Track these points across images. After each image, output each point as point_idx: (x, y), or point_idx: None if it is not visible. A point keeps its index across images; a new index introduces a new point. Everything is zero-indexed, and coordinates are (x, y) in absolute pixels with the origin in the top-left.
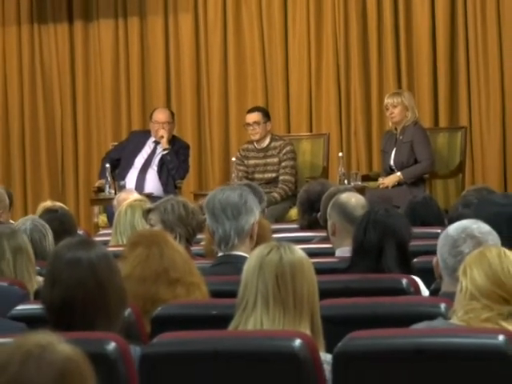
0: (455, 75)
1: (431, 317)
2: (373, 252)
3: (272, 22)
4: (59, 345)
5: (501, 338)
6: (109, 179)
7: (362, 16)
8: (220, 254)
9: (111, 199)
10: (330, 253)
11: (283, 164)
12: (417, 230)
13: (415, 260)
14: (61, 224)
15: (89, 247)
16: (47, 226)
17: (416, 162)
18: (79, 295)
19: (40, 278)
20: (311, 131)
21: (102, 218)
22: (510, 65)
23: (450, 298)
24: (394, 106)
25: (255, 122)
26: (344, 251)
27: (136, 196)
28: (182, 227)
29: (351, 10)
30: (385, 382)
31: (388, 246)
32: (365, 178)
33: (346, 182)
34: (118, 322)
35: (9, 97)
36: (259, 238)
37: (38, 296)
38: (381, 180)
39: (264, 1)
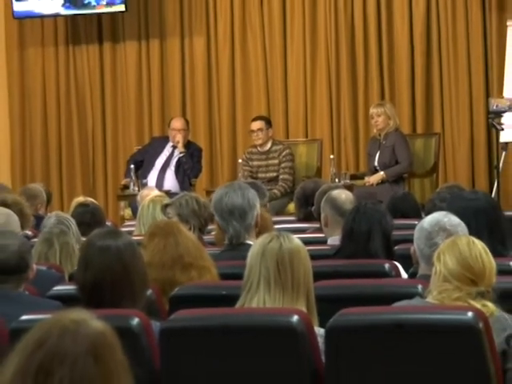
0: (430, 89)
1: (410, 296)
2: (362, 238)
3: (273, 44)
4: (92, 321)
5: (469, 314)
6: (133, 178)
7: (351, 38)
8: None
9: (135, 195)
10: (322, 241)
11: (282, 165)
12: (397, 222)
13: (396, 247)
14: (92, 216)
15: (116, 236)
16: (71, 219)
17: (397, 163)
18: (108, 278)
19: None
20: (307, 137)
21: (127, 212)
22: (477, 80)
23: (425, 280)
24: (378, 115)
25: (259, 129)
26: (335, 240)
27: (156, 192)
28: (196, 219)
29: (341, 33)
30: (370, 352)
31: (375, 233)
32: (353, 177)
33: (336, 180)
34: (141, 301)
35: (48, 108)
36: (262, 228)
37: (72, 278)
38: (366, 179)
39: (266, 25)
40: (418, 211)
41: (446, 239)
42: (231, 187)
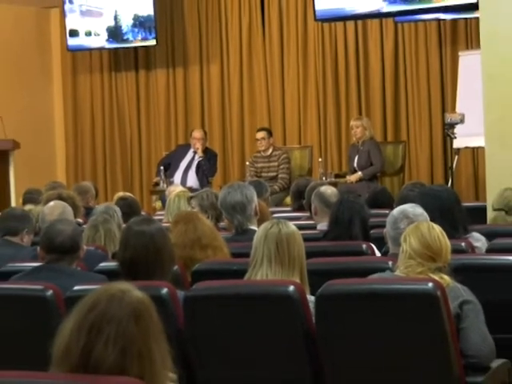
0: (398, 106)
1: (382, 270)
2: (345, 224)
3: (273, 70)
4: (133, 290)
5: (430, 284)
6: (162, 177)
7: (335, 66)
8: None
9: (164, 191)
10: (313, 227)
11: (281, 166)
12: (374, 211)
13: (372, 231)
14: (129, 207)
15: (150, 223)
16: (116, 208)
17: (371, 165)
18: (142, 256)
19: None
20: (300, 144)
21: (158, 204)
22: (435, 99)
23: (394, 257)
24: (357, 127)
25: (262, 138)
26: (323, 226)
27: (181, 188)
28: (213, 210)
29: (327, 62)
30: (350, 314)
31: (355, 220)
32: (336, 176)
33: (323, 178)
34: (169, 275)
35: (95, 123)
36: (263, 217)
37: (114, 257)
38: (347, 177)
39: (268, 55)
40: (390, 202)
41: (407, 225)
42: (232, 187)
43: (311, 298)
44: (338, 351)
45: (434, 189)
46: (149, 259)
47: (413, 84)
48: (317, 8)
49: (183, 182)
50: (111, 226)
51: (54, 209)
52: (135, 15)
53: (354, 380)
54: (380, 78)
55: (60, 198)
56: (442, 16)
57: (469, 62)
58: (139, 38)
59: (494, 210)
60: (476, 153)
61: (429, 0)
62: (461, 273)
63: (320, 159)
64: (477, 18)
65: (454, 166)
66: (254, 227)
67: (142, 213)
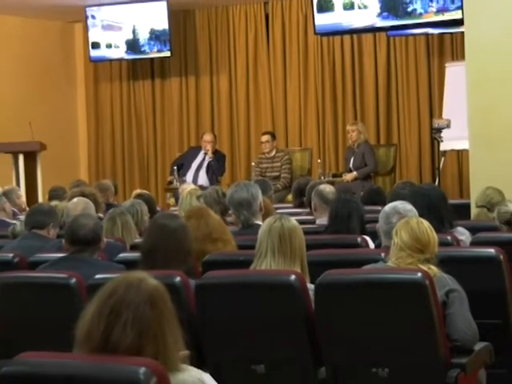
0: (390, 112)
1: (375, 261)
2: (343, 220)
3: (276, 79)
4: (149, 279)
5: (419, 274)
6: (176, 176)
7: (333, 76)
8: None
9: (177, 188)
10: (312, 222)
11: (283, 167)
12: (368, 208)
13: (367, 226)
14: (146, 203)
15: (172, 218)
16: (142, 202)
17: (366, 165)
18: (162, 247)
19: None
20: (301, 146)
21: (172, 200)
22: (423, 106)
23: (387, 249)
24: (353, 131)
25: (266, 141)
26: (321, 221)
27: (192, 186)
28: (216, 205)
29: (325, 72)
30: (347, 302)
31: (352, 216)
32: (334, 176)
33: (322, 178)
34: (185, 266)
35: (114, 126)
36: (267, 213)
37: (132, 248)
38: (344, 177)
39: (272, 66)
40: (384, 200)
41: (398, 220)
42: (239, 186)
43: (311, 287)
44: (334, 334)
45: (422, 187)
46: (167, 250)
47: (403, 92)
48: (316, 23)
49: (195, 180)
50: (128, 218)
51: (77, 204)
52: (151, 29)
53: (348, 359)
54: (373, 87)
55: (83, 194)
56: (430, 30)
57: (454, 73)
58: (155, 50)
59: (477, 206)
60: (461, 155)
61: (418, 16)
62: (447, 264)
63: (319, 160)
64: (462, 33)
65: (441, 166)
66: (259, 222)
67: (158, 208)
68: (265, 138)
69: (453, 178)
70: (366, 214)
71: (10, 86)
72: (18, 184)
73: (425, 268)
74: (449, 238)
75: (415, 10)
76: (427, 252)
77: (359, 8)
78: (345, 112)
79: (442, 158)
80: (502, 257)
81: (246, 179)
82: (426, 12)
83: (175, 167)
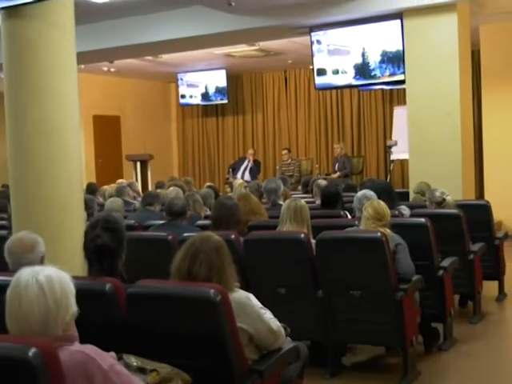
0: (361, 136)
1: (352, 226)
2: (331, 200)
3: (291, 116)
4: (215, 236)
5: (378, 234)
6: (231, 175)
7: (325, 114)
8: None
9: (231, 182)
10: (313, 202)
11: (295, 169)
12: (346, 194)
13: (345, 205)
14: (214, 191)
15: (229, 199)
16: (211, 191)
17: (345, 168)
18: (223, 217)
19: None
20: (306, 157)
21: (228, 189)
22: (381, 134)
23: (359, 219)
24: (337, 148)
25: (285, 154)
26: (319, 202)
27: (241, 181)
28: (256, 192)
29: (321, 113)
30: (335, 250)
31: (337, 199)
32: (326, 174)
33: (319, 176)
34: (237, 228)
35: (193, 145)
36: (286, 196)
37: (205, 218)
38: (332, 175)
39: (288, 106)
40: (356, 189)
41: (367, 201)
42: (269, 180)
43: (313, 241)
44: (327, 270)
45: (379, 182)
46: (226, 219)
47: (368, 124)
48: (316, 82)
49: (242, 177)
50: (197, 197)
51: (172, 191)
52: (216, 87)
53: (335, 286)
54: (350, 120)
55: (175, 185)
56: (384, 87)
57: (400, 112)
58: (218, 99)
59: (415, 193)
60: (403, 162)
61: (378, 78)
62: (395, 227)
63: (317, 165)
64: (404, 88)
65: (391, 169)
66: (281, 202)
67: (221, 194)
68: (284, 151)
69: (398, 176)
70: (345, 198)
71: (134, 122)
72: (136, 179)
73: (382, 230)
74: (396, 212)
75: (376, 74)
76: (384, 220)
77: (342, 73)
78: (332, 136)
79: (392, 164)
80: (428, 223)
81: (273, 176)
82: (382, 75)
83: (230, 169)
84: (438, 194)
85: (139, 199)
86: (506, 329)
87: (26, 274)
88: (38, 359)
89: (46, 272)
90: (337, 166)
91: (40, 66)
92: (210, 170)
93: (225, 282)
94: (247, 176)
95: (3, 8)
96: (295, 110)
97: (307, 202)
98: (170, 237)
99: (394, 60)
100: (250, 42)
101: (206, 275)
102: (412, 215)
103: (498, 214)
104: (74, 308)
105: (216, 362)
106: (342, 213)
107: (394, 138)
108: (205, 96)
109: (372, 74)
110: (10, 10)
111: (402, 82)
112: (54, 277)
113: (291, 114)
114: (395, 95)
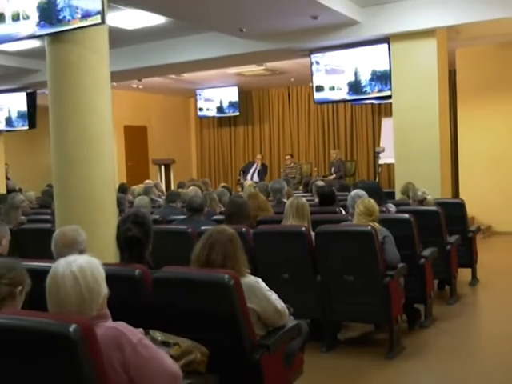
0: (353, 143)
1: (346, 221)
2: (327, 198)
3: (293, 126)
4: (229, 229)
5: (368, 227)
6: (241, 176)
7: (323, 124)
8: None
9: (242, 183)
10: (312, 200)
11: (297, 172)
12: (341, 193)
13: (340, 203)
14: (228, 190)
15: (240, 197)
16: (225, 190)
17: (340, 171)
18: (235, 212)
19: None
20: (306, 161)
21: (239, 189)
22: (370, 140)
23: (352, 215)
24: (333, 153)
25: (288, 158)
26: (317, 200)
27: (250, 182)
28: (264, 191)
29: (320, 124)
30: (332, 242)
31: (333, 197)
32: (324, 176)
33: (317, 177)
34: (247, 222)
35: (210, 151)
36: (289, 195)
37: (219, 214)
38: (329, 177)
39: (291, 117)
40: (349, 189)
41: (359, 199)
42: (275, 181)
43: (313, 234)
44: (325, 258)
45: (369, 182)
46: (238, 214)
47: (360, 133)
48: (315, 97)
49: (251, 179)
50: (214, 195)
51: (191, 190)
52: (230, 101)
53: (331, 271)
54: (344, 130)
55: (194, 185)
56: (374, 101)
57: (387, 123)
58: (231, 112)
59: (401, 193)
60: (390, 166)
61: (368, 93)
62: (383, 222)
63: (316, 168)
64: (390, 103)
65: (379, 171)
66: (285, 200)
67: (233, 193)
68: (287, 156)
69: (385, 178)
70: (339, 196)
71: (159, 131)
72: (160, 180)
73: (372, 224)
74: (384, 209)
75: (366, 90)
76: (373, 216)
77: (337, 89)
78: (329, 143)
79: (380, 168)
80: (412, 219)
81: (278, 178)
82: (372, 91)
83: (241, 172)
84: (419, 193)
85: (163, 197)
86: (478, 309)
87: (61, 264)
88: (77, 334)
89: (79, 262)
90: (333, 169)
91: (80, 83)
92: (224, 172)
93: (237, 269)
94: (256, 177)
95: (48, 34)
96: (297, 121)
97: (307, 200)
98: (190, 230)
99: (382, 78)
100: (258, 63)
101: (222, 262)
102: (397, 211)
103: (471, 211)
104: (105, 290)
105: (229, 337)
106: (337, 209)
107: (382, 145)
108: (219, 109)
109: (363, 90)
110: (55, 36)
111: (389, 97)
112: (85, 266)
113: (293, 125)
114: (383, 108)
